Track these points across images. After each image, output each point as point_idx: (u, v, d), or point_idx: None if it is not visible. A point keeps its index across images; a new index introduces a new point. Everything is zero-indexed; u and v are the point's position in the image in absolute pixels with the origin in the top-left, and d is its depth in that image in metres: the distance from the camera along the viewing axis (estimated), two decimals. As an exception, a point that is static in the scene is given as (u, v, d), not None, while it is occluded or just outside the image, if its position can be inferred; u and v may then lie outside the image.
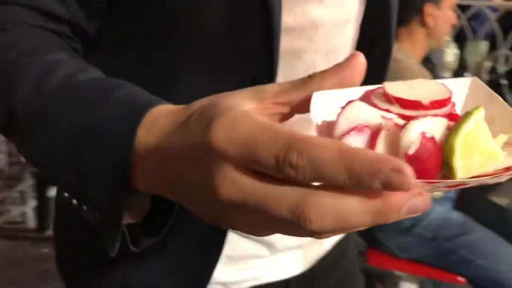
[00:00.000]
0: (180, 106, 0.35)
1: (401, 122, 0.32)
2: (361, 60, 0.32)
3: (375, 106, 0.33)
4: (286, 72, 0.53)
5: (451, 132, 0.31)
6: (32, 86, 0.41)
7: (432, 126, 0.31)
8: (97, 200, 0.37)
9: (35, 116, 0.40)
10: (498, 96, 0.34)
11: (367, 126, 0.31)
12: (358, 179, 0.27)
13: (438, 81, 0.35)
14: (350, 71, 0.32)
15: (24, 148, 0.43)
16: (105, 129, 0.36)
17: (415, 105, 0.32)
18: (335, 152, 0.27)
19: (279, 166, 0.28)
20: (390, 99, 0.32)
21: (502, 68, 2.84)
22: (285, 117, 0.33)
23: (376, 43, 0.62)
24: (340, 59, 0.33)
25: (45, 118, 0.39)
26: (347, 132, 0.31)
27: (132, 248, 0.39)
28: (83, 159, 0.37)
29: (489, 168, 0.31)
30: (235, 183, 0.29)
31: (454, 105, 0.33)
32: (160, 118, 0.34)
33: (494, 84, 2.71)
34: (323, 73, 0.32)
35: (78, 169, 0.37)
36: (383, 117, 0.32)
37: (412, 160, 0.29)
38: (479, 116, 0.31)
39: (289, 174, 0.28)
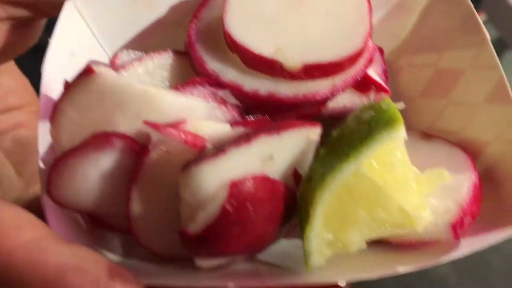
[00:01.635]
0: None
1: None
2: None
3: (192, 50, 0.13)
4: None
5: (315, 171, 0.13)
6: None
7: (275, 149, 0.14)
8: None
9: None
10: (478, 18, 0.14)
11: (122, 137, 0.14)
12: None
13: None
14: None
15: None
16: None
17: (271, 68, 0.14)
18: None
19: None
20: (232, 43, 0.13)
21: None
22: (24, 25, 0.18)
23: None
24: None
25: None
26: (79, 148, 0.14)
27: None
28: None
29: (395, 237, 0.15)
30: None
31: (372, 55, 0.14)
32: None
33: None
34: None
35: None
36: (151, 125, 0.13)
37: (202, 239, 0.15)
38: (393, 141, 0.14)
39: None
